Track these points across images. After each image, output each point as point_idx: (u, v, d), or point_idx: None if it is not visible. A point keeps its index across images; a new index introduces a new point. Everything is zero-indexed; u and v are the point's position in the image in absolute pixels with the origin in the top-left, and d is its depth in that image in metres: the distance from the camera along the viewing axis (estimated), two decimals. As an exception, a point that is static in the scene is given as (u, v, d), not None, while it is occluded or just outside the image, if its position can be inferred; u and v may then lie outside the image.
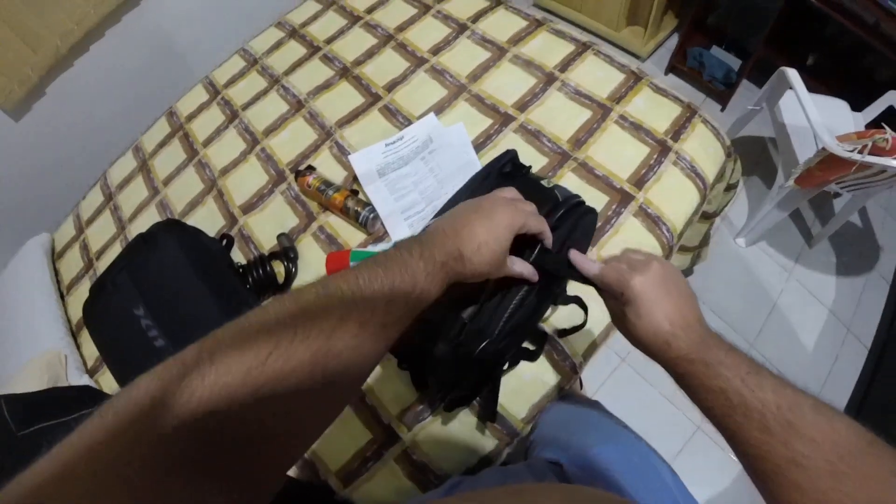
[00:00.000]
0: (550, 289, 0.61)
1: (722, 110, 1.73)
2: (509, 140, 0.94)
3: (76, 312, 1.10)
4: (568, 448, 0.60)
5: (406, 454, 0.76)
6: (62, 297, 1.15)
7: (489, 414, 0.62)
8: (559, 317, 0.79)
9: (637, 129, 0.93)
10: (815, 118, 1.11)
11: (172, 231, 0.90)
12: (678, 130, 0.92)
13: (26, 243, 1.24)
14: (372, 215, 0.86)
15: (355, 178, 0.93)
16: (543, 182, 0.73)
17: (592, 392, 1.37)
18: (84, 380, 0.99)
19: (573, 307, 0.74)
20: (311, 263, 0.90)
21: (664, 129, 0.92)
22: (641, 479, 0.52)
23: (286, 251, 0.90)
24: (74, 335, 1.08)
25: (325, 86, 1.12)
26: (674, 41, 1.86)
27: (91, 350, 1.03)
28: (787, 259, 1.50)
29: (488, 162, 0.72)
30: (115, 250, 1.11)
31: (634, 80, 0.99)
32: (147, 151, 1.23)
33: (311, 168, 0.96)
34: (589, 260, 0.52)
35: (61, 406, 0.80)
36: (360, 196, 0.90)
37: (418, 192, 0.88)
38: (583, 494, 0.32)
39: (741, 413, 0.36)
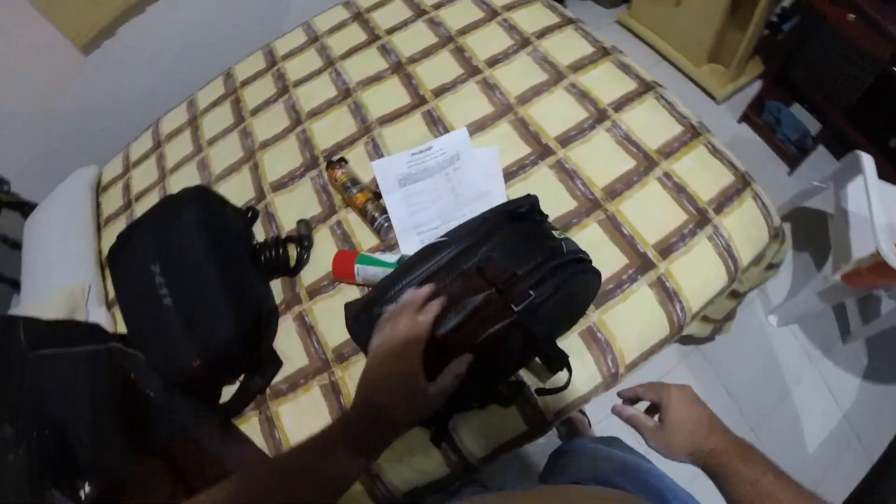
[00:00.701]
0: (533, 338, 0.61)
1: (789, 174, 1.61)
2: (541, 175, 0.92)
3: (107, 246, 1.18)
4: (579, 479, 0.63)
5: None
6: (98, 229, 1.23)
7: (437, 438, 0.63)
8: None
9: (679, 191, 0.87)
10: (878, 216, 1.02)
11: (198, 202, 0.93)
12: (723, 202, 0.86)
13: (75, 171, 1.32)
14: (387, 224, 0.87)
15: (380, 183, 0.94)
16: (555, 232, 0.71)
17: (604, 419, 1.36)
18: (101, 312, 1.06)
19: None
20: (322, 257, 0.92)
21: (708, 198, 0.86)
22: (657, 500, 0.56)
23: (302, 238, 0.92)
24: (102, 267, 1.15)
25: (376, 78, 1.12)
26: (754, 89, 1.73)
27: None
28: (816, 349, 1.41)
29: (499, 205, 0.71)
30: (153, 197, 1.17)
31: (691, 135, 0.93)
32: (199, 108, 1.27)
33: (342, 161, 0.98)
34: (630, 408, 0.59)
35: (69, 339, 0.85)
36: (381, 201, 0.91)
37: (435, 209, 0.88)
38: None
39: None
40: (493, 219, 0.69)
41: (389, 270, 0.81)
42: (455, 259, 0.65)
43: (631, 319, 0.80)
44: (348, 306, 0.68)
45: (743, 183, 0.88)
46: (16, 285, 1.30)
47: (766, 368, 1.38)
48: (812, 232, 1.55)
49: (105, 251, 1.17)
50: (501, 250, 0.64)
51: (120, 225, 1.20)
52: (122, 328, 1.00)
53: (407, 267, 0.66)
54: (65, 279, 1.11)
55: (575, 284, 0.66)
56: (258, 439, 0.84)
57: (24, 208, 1.41)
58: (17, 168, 1.43)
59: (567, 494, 0.38)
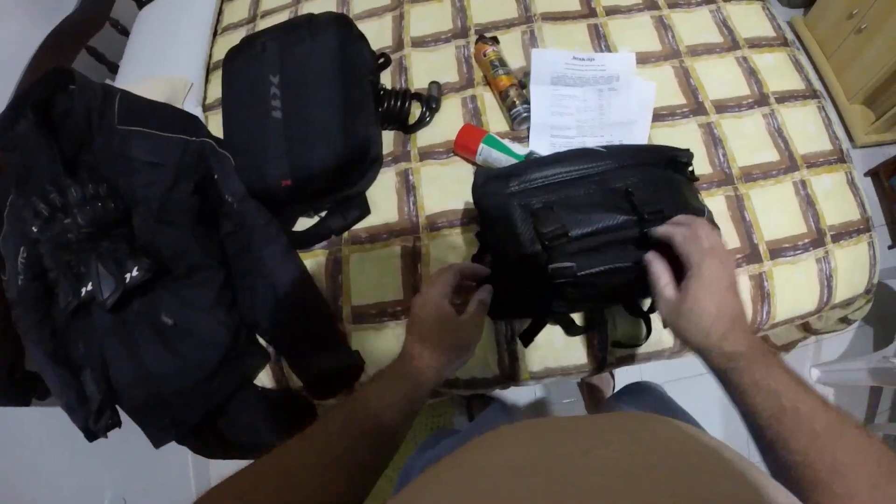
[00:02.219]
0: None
1: (890, 248, 1.55)
2: (688, 130, 0.88)
3: (218, 53, 1.16)
4: None
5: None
6: (214, 35, 1.21)
7: (527, 335, 0.64)
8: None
9: (808, 204, 0.84)
10: None
11: (338, 26, 0.90)
12: (842, 234, 0.83)
13: None
14: (525, 114, 0.84)
15: (527, 73, 0.90)
16: (700, 196, 0.69)
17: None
18: (198, 112, 1.06)
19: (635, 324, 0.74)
20: (444, 122, 0.90)
21: (831, 223, 0.83)
22: None
23: (430, 99, 0.90)
24: (208, 71, 1.14)
25: (554, -31, 1.06)
26: (894, 150, 1.63)
27: (214, 91, 1.10)
28: (840, 418, 1.40)
29: (662, 145, 0.70)
30: (279, 19, 1.15)
31: (838, 158, 0.88)
32: (356, -56, 1.21)
33: (495, 39, 0.93)
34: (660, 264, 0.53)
35: (162, 122, 0.85)
36: (525, 91, 0.88)
37: (576, 119, 0.85)
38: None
39: (792, 417, 0.36)
40: (654, 155, 0.68)
41: (513, 161, 0.79)
42: (607, 172, 0.63)
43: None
44: (480, 171, 0.67)
45: (865, 226, 0.85)
46: (114, 69, 1.30)
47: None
48: (885, 313, 1.50)
49: (215, 57, 1.16)
50: (654, 186, 0.63)
51: (238, 35, 1.17)
52: (214, 131, 0.99)
53: (558, 158, 0.64)
54: (167, 71, 1.11)
55: None
56: (319, 278, 0.85)
57: None
58: None
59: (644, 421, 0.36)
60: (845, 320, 0.97)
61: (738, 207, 0.83)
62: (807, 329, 0.99)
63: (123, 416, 0.76)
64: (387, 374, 0.49)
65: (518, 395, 1.40)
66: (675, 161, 0.69)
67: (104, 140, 0.81)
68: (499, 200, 0.63)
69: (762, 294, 0.79)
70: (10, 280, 0.77)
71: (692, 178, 0.73)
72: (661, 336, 0.77)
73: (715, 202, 0.83)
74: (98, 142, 0.81)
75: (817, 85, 0.97)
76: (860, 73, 1.56)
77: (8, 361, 0.79)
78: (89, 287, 0.72)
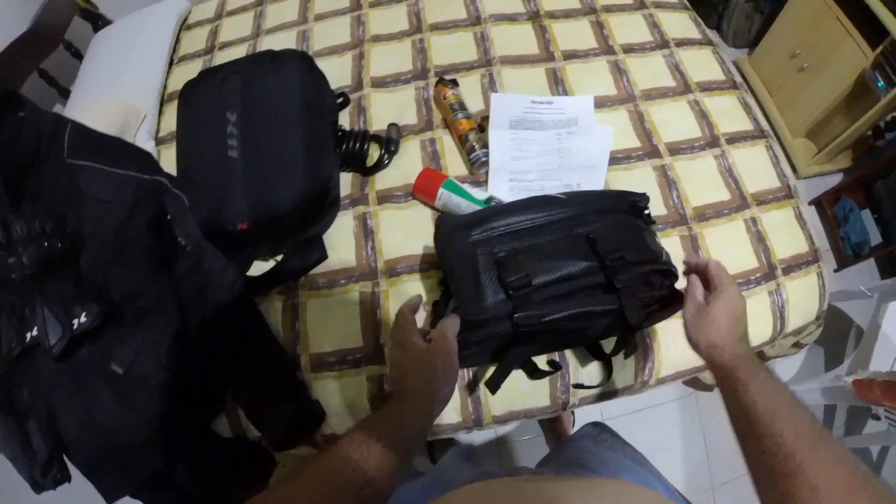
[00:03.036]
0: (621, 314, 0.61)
1: (836, 271, 1.62)
2: (644, 173, 0.90)
3: (174, 83, 1.13)
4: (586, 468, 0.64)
5: (380, 379, 0.77)
6: (171, 63, 1.18)
7: (493, 383, 0.63)
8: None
9: (759, 240, 0.87)
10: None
11: (302, 64, 0.89)
12: (793, 267, 0.86)
13: (165, 0, 1.26)
14: (484, 158, 0.84)
15: (486, 117, 0.90)
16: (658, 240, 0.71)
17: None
18: (150, 145, 1.02)
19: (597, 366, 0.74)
20: (405, 165, 0.89)
21: (781, 257, 0.86)
22: None
23: (389, 141, 0.89)
24: (162, 103, 1.11)
25: (511, 18, 1.08)
26: (835, 179, 1.73)
27: (168, 123, 1.06)
28: (794, 439, 1.44)
29: (621, 190, 0.72)
30: (237, 52, 1.13)
31: (786, 194, 0.93)
32: (317, -18, 1.21)
33: (454, 82, 0.94)
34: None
35: (115, 157, 0.81)
36: (484, 135, 0.88)
37: (536, 163, 0.86)
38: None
39: (786, 414, 0.41)
40: (614, 200, 0.69)
41: (473, 206, 0.79)
42: (570, 219, 0.65)
43: (676, 339, 0.79)
44: (443, 218, 0.66)
45: (814, 257, 0.88)
46: (65, 94, 1.26)
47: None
48: (833, 334, 1.57)
49: (171, 87, 1.13)
50: (615, 232, 0.64)
51: (195, 66, 1.15)
52: (166, 166, 0.96)
53: (522, 206, 0.65)
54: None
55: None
56: (276, 325, 0.82)
57: (98, 22, 1.35)
58: None
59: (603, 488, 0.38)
60: (797, 345, 1.01)
61: (693, 246, 0.85)
62: (760, 356, 1.02)
63: (74, 469, 0.71)
64: (368, 425, 0.47)
65: (478, 434, 1.39)
66: (634, 206, 0.70)
67: (52, 168, 0.76)
68: (462, 248, 0.62)
69: (716, 333, 0.81)
70: None
71: (649, 221, 0.74)
72: (621, 375, 0.78)
73: (671, 242, 0.85)
74: (46, 170, 0.76)
75: (764, 125, 1.01)
76: (803, 109, 1.66)
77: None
78: (34, 332, 0.67)
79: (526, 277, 0.58)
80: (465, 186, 0.81)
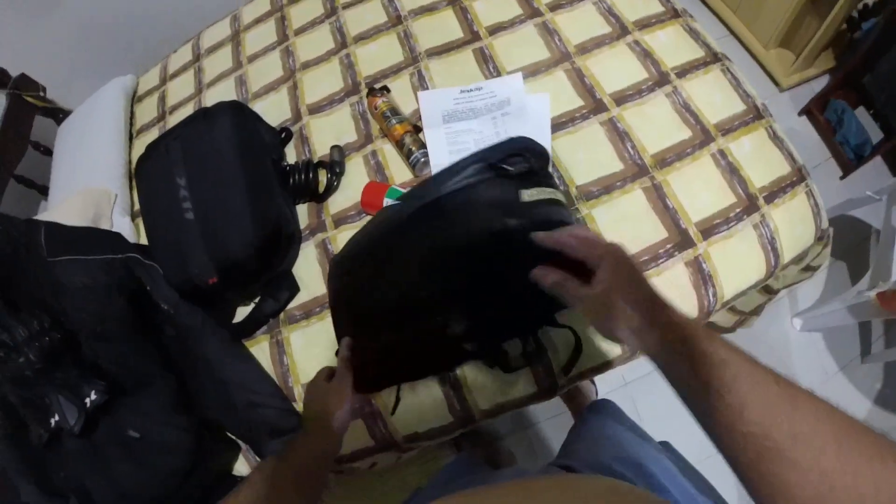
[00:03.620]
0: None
1: (841, 178, 1.53)
2: (591, 131, 0.87)
3: (138, 157, 1.16)
4: (578, 457, 0.61)
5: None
6: (130, 139, 1.22)
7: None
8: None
9: (732, 172, 0.82)
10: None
11: (232, 115, 0.91)
12: (775, 192, 0.81)
13: (112, 80, 1.29)
14: (423, 159, 0.83)
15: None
16: (527, 194, 0.63)
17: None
18: (125, 221, 1.07)
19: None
20: (352, 184, 0.89)
21: (761, 185, 0.81)
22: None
23: (334, 164, 0.89)
24: (131, 177, 1.14)
25: (430, 8, 1.06)
26: (821, 83, 1.62)
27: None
28: (833, 363, 1.36)
29: (484, 148, 0.65)
30: (188, 110, 1.15)
31: (754, 116, 0.87)
32: (243, 23, 1.23)
33: (385, 90, 0.93)
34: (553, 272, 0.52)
35: (87, 246, 0.85)
36: (421, 136, 0.87)
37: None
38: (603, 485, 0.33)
39: (746, 385, 0.34)
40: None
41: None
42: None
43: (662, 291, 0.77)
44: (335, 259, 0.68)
45: (799, 177, 0.83)
46: (44, 192, 1.31)
47: (780, 371, 1.34)
48: (853, 243, 1.48)
49: (134, 161, 1.16)
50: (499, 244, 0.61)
51: (152, 136, 1.18)
52: (145, 239, 0.99)
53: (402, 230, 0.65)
54: (92, 186, 1.11)
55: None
56: (266, 362, 0.85)
57: (59, 115, 1.40)
58: (55, 75, 1.40)
59: (577, 488, 0.33)
60: (808, 269, 0.95)
61: (659, 197, 0.82)
62: (769, 291, 0.97)
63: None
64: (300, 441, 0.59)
65: (502, 421, 1.37)
66: (501, 166, 0.63)
67: (36, 270, 0.82)
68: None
69: (703, 277, 0.77)
70: None
71: (544, 180, 0.68)
72: (609, 347, 0.76)
73: (632, 198, 0.82)
74: (31, 273, 0.81)
75: (716, 47, 0.95)
76: (769, 18, 1.57)
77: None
78: (56, 418, 0.73)
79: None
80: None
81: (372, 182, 0.85)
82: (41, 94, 1.37)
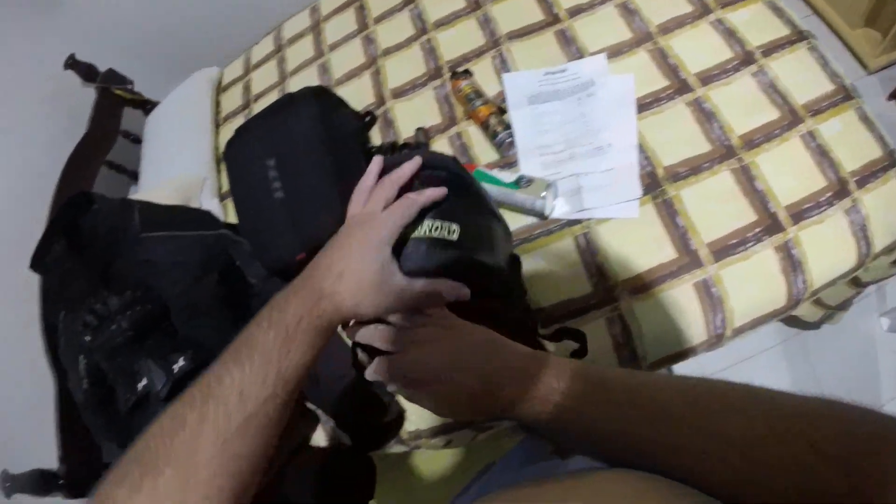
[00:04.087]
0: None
1: (931, 163, 1.44)
2: (676, 112, 0.87)
3: (224, 143, 1.23)
4: None
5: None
6: (217, 126, 1.29)
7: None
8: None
9: (822, 155, 0.79)
10: None
11: (316, 100, 0.93)
12: (866, 177, 0.78)
13: (199, 71, 1.38)
14: (509, 139, 0.86)
15: (505, 98, 0.92)
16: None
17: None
18: (214, 203, 1.13)
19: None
20: (437, 165, 0.93)
21: (852, 169, 0.78)
22: None
23: (418, 145, 0.93)
24: (218, 162, 1.22)
25: (509, -8, 1.08)
26: (913, 64, 1.53)
27: (227, 180, 1.17)
28: (922, 368, 1.29)
29: None
30: (272, 98, 1.22)
31: (843, 97, 0.83)
32: (322, 14, 1.29)
33: (467, 73, 0.96)
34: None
35: (180, 224, 0.90)
36: (505, 117, 0.89)
37: (561, 133, 0.86)
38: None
39: (638, 407, 0.32)
40: None
41: (506, 190, 0.81)
42: None
43: (748, 281, 0.76)
44: None
45: (890, 161, 0.79)
46: (134, 177, 1.41)
47: (864, 372, 1.28)
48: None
49: (222, 147, 1.24)
50: None
51: (238, 122, 1.23)
52: (233, 219, 1.06)
53: None
54: (182, 172, 1.18)
55: None
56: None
57: (146, 106, 1.50)
58: (142, 69, 1.50)
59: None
60: (897, 264, 0.92)
61: (747, 179, 0.80)
62: (857, 284, 0.94)
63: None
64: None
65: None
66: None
67: (130, 249, 0.87)
68: None
69: (792, 264, 0.76)
70: (75, 387, 0.84)
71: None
72: (692, 330, 0.76)
73: (720, 179, 0.81)
74: (126, 251, 0.87)
75: (801, 25, 0.92)
76: (854, -4, 1.48)
77: (82, 462, 0.89)
78: (144, 382, 0.77)
79: None
80: (494, 172, 0.83)
81: (458, 163, 0.89)
82: (129, 87, 1.48)
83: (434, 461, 1.23)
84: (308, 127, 0.91)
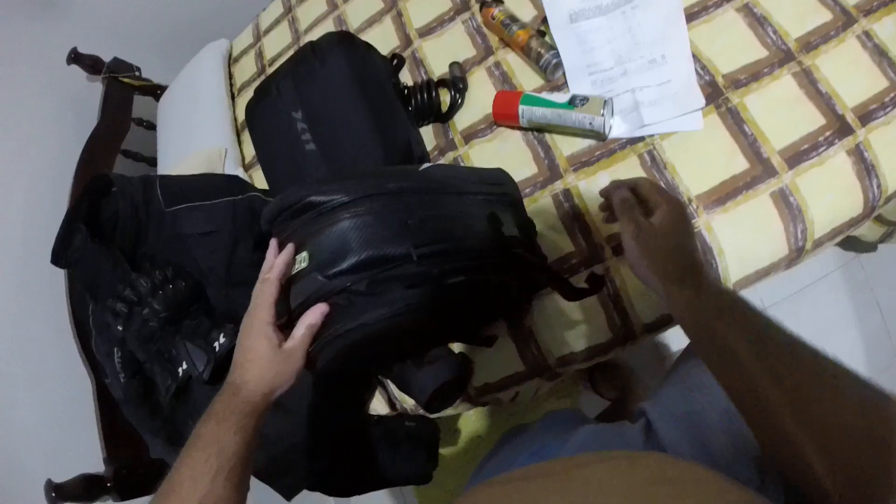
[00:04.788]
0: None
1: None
2: (727, 18, 0.82)
3: (242, 113, 1.16)
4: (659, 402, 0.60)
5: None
6: (233, 98, 1.25)
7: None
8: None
9: (880, 55, 0.75)
10: None
11: (342, 45, 0.89)
12: None
13: (206, 46, 1.33)
14: (555, 61, 0.81)
15: (544, 20, 0.87)
16: None
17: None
18: (238, 173, 1.08)
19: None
20: (479, 99, 0.89)
21: None
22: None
23: (455, 80, 0.89)
24: (238, 133, 1.18)
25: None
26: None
27: (250, 150, 1.12)
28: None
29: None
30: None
31: None
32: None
33: (498, 0, 0.91)
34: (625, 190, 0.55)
35: (205, 191, 0.86)
36: (547, 39, 0.85)
37: (609, 50, 0.81)
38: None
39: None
40: None
41: (560, 111, 0.77)
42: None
43: (825, 188, 0.73)
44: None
45: None
46: (153, 163, 1.37)
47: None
48: None
49: (240, 117, 1.19)
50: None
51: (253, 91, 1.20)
52: (261, 186, 1.01)
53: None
54: (201, 147, 1.14)
55: None
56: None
57: (157, 91, 1.45)
58: (148, 54, 1.47)
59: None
60: None
61: (810, 82, 0.76)
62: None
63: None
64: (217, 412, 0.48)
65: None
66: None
67: (156, 228, 0.83)
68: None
69: (866, 167, 0.72)
70: (112, 381, 0.79)
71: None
72: (768, 247, 0.73)
73: (783, 84, 0.76)
74: (152, 230, 0.82)
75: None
76: None
77: (128, 461, 0.85)
78: (184, 366, 0.73)
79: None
80: (544, 95, 0.79)
81: (502, 91, 0.84)
82: (136, 73, 1.43)
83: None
84: (337, 74, 0.87)
